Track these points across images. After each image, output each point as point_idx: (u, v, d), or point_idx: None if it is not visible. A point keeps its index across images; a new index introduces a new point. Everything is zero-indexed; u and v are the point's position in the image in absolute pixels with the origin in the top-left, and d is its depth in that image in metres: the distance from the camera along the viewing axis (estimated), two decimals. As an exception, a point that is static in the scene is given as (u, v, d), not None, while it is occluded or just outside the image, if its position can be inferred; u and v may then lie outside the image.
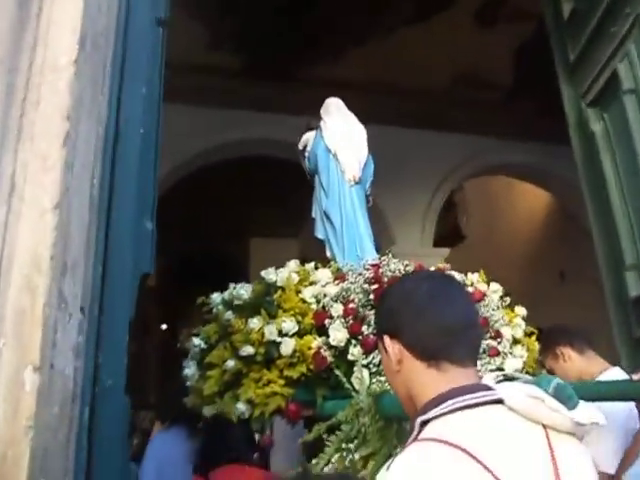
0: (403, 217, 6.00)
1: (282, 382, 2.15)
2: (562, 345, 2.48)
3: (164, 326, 11.37)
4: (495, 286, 2.72)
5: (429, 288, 0.96)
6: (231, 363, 2.25)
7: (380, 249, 6.29)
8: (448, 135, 6.10)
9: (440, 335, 0.92)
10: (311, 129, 3.26)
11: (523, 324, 2.64)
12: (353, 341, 2.19)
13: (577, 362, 2.43)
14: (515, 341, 2.54)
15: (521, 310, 2.73)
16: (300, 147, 3.28)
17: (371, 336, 2.13)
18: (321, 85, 5.63)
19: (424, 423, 0.87)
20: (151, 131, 1.71)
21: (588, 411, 0.93)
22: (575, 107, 2.94)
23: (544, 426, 0.88)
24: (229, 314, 2.40)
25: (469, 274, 2.71)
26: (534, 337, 2.67)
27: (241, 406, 2.19)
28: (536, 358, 2.57)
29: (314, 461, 1.81)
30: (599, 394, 1.83)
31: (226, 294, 2.51)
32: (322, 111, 3.25)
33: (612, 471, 2.04)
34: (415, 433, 0.87)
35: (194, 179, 6.07)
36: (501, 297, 2.69)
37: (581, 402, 0.96)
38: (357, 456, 1.80)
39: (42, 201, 0.83)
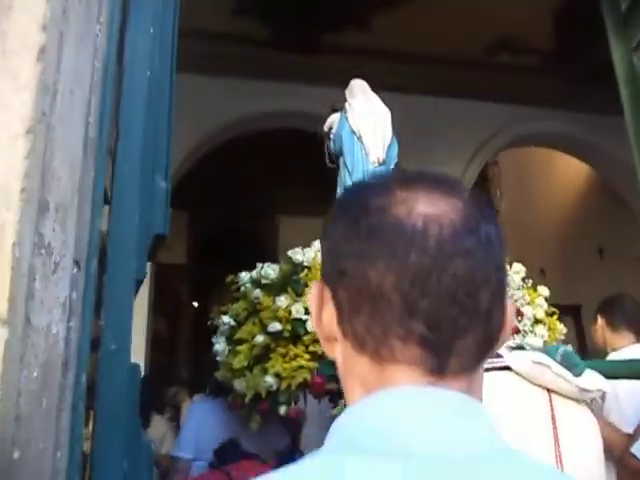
0: (435, 190, 5.75)
1: (308, 357, 2.24)
2: (602, 315, 2.62)
3: (195, 304, 11.41)
4: (518, 267, 2.66)
5: None
6: (260, 338, 2.35)
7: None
8: (483, 104, 5.80)
9: None
10: (335, 110, 3.24)
11: (545, 304, 2.61)
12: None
13: (607, 335, 2.56)
14: (537, 320, 2.53)
15: (543, 290, 2.66)
16: (325, 129, 3.25)
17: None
18: (349, 54, 5.40)
19: None
20: (163, 79, 1.56)
21: (594, 378, 0.95)
22: (626, 62, 2.73)
23: (549, 391, 0.90)
24: (257, 292, 2.49)
25: None
26: (556, 317, 2.64)
27: (269, 379, 2.29)
28: (558, 338, 2.57)
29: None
30: (614, 372, 1.87)
31: (254, 273, 2.60)
32: (347, 93, 3.24)
33: (631, 430, 2.17)
34: None
35: (219, 154, 5.95)
36: (523, 279, 2.64)
37: (587, 370, 0.97)
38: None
39: (13, 124, 0.69)
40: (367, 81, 5.50)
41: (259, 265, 2.63)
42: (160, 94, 1.57)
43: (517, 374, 0.92)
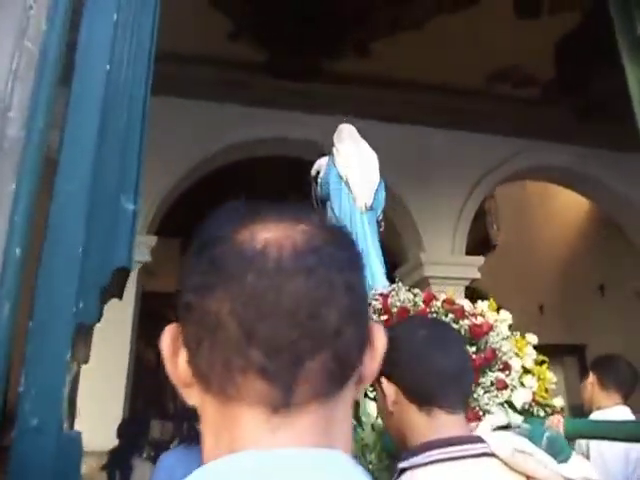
0: (433, 222, 5.50)
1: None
2: (594, 372, 2.64)
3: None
4: (505, 315, 2.57)
5: (425, 335, 1.00)
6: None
7: (406, 257, 5.81)
8: (484, 136, 5.60)
9: (435, 381, 0.95)
10: (323, 155, 3.23)
11: (534, 353, 2.50)
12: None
13: (595, 392, 2.58)
14: (525, 371, 2.42)
15: (532, 338, 2.56)
16: (313, 173, 3.21)
17: (377, 369, 1.96)
18: (347, 81, 5.22)
19: (402, 470, 0.89)
20: (136, 83, 1.30)
21: (580, 466, 0.93)
22: (642, 88, 2.54)
23: (528, 479, 0.87)
24: None
25: (479, 302, 2.58)
26: (545, 366, 2.54)
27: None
28: (547, 387, 2.47)
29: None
30: (602, 432, 1.92)
31: None
32: (335, 137, 3.22)
33: None
34: (394, 479, 0.90)
35: (213, 181, 5.70)
36: (510, 326, 2.54)
37: (573, 455, 0.96)
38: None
39: None
40: (366, 110, 5.31)
41: None
42: (133, 99, 1.31)
43: (499, 460, 0.88)
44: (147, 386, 10.27)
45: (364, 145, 3.22)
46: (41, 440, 0.81)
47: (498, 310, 2.60)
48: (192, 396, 0.48)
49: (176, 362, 0.48)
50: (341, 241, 0.48)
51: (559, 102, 5.59)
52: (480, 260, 5.57)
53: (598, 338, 6.43)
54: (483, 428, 1.01)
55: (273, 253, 0.44)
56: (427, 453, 0.87)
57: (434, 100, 5.37)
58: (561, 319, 7.14)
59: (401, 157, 5.49)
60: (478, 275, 5.47)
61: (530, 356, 2.45)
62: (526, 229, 7.97)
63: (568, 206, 7.37)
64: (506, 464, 0.87)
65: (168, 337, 0.49)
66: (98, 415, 4.32)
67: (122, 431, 3.83)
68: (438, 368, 0.95)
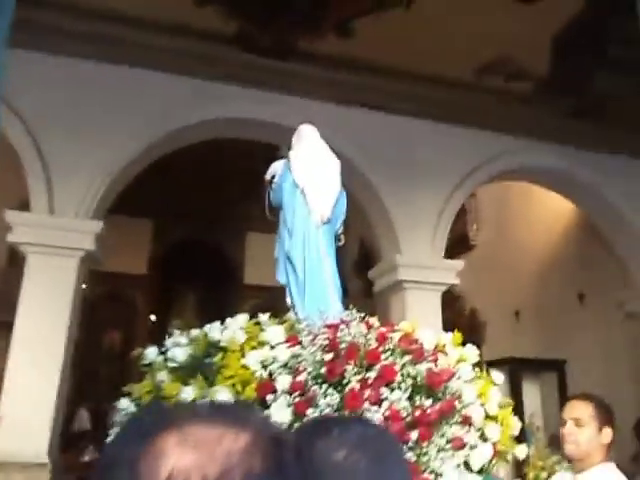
0: (412, 222, 4.98)
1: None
2: (610, 425, 1.88)
3: (153, 317, 10.41)
4: (470, 351, 2.28)
5: (369, 462, 0.64)
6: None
7: (380, 257, 5.29)
8: (470, 131, 5.10)
9: None
10: (281, 157, 2.83)
11: (499, 395, 2.24)
12: (297, 423, 1.86)
13: (602, 447, 1.81)
14: (488, 417, 2.15)
15: (498, 377, 2.33)
16: (268, 177, 2.81)
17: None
18: (324, 62, 4.64)
19: None
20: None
21: None
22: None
23: None
24: (163, 375, 2.12)
25: (442, 335, 2.30)
26: (510, 409, 2.27)
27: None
28: (511, 435, 2.19)
29: None
30: None
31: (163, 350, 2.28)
32: (293, 139, 2.82)
33: None
34: None
35: (178, 160, 5.11)
36: (474, 365, 2.24)
37: None
38: None
39: None
40: (345, 95, 4.76)
41: (168, 342, 2.22)
42: None
43: None
44: (110, 369, 9.67)
45: (325, 150, 2.80)
46: None
47: (464, 343, 2.31)
48: None
49: None
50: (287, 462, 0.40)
51: (551, 100, 5.10)
52: (459, 265, 5.09)
53: (579, 353, 6.06)
54: None
55: None
56: None
57: (416, 89, 4.83)
58: (538, 326, 6.74)
59: (381, 149, 4.97)
60: (456, 281, 5.00)
61: (494, 399, 2.22)
62: (506, 230, 7.53)
63: (551, 209, 6.93)
64: None
65: None
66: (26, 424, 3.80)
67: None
68: None
